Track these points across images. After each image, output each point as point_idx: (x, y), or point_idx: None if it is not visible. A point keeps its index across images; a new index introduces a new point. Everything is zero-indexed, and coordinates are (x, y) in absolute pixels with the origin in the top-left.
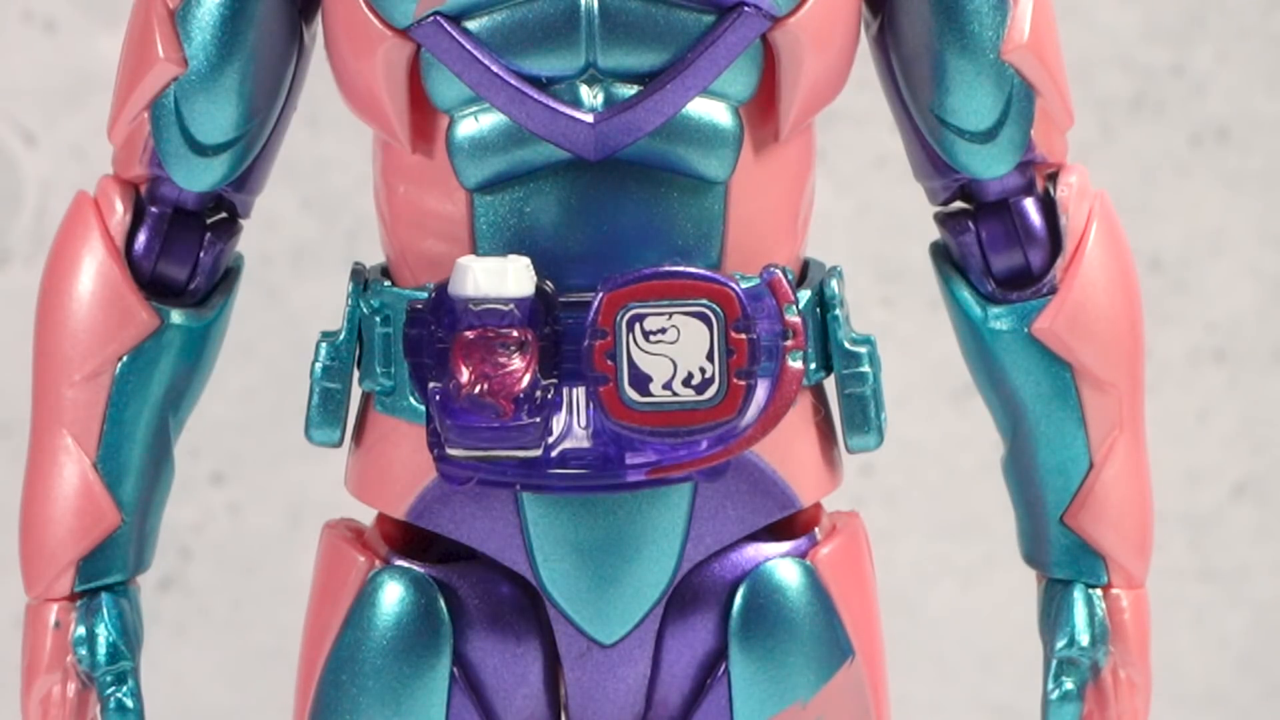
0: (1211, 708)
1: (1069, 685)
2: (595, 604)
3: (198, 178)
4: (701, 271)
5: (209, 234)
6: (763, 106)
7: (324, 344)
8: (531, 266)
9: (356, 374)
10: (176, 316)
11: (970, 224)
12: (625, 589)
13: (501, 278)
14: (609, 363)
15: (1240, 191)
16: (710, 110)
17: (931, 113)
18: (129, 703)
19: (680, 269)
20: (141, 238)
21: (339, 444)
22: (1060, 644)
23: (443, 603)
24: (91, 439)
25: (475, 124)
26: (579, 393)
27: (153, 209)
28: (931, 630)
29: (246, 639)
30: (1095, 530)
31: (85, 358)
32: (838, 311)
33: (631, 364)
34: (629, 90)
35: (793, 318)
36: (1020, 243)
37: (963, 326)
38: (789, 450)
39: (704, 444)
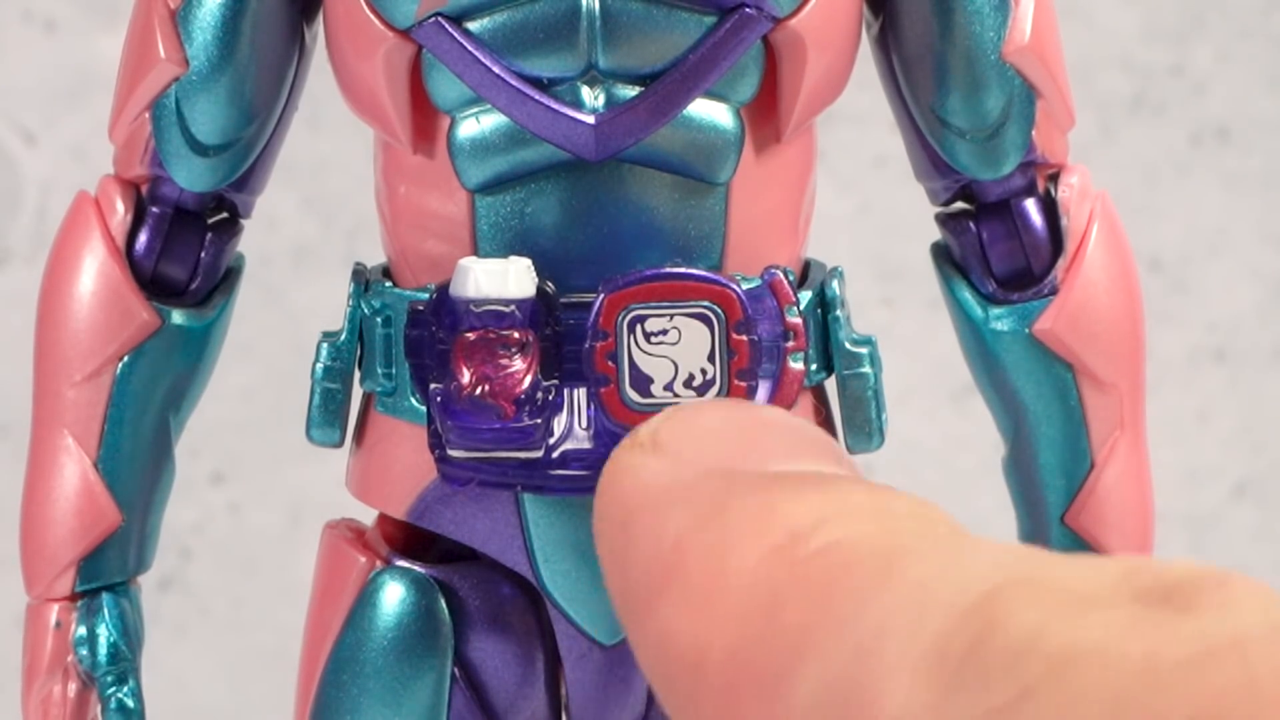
0: None
1: None
2: (596, 604)
3: (199, 178)
4: (703, 273)
5: (210, 234)
6: (764, 107)
7: (325, 344)
8: (533, 268)
9: (357, 374)
10: (177, 316)
11: (971, 224)
12: None
13: (503, 279)
14: (610, 364)
15: (1240, 191)
16: (712, 111)
17: (933, 113)
18: (130, 703)
19: (681, 270)
20: (142, 238)
21: (340, 444)
22: None
23: (444, 603)
24: (92, 439)
25: (476, 125)
26: (580, 394)
27: (153, 209)
28: None
29: (246, 639)
30: (1097, 530)
31: (86, 358)
32: (839, 312)
33: (633, 365)
34: (630, 91)
35: (794, 319)
36: (1021, 243)
37: (964, 327)
38: None
39: None
